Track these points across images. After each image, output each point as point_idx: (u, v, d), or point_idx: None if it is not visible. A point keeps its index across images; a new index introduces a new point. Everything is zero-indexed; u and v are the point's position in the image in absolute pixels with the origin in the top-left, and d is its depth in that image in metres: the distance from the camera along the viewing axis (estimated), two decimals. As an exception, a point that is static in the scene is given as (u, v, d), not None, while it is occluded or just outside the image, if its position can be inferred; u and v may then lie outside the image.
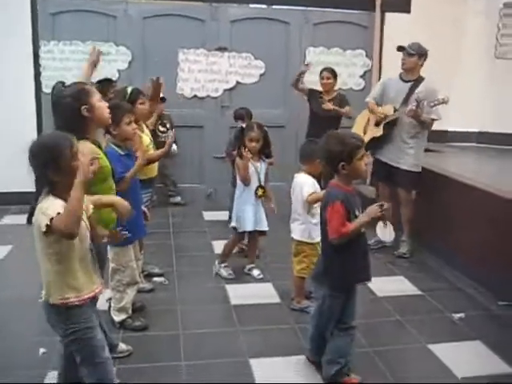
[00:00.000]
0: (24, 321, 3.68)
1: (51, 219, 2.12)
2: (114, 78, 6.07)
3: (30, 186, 6.32)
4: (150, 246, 4.59)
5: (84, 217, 2.30)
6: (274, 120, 6.44)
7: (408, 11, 6.83)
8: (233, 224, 4.46)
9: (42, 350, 3.25)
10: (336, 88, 5.92)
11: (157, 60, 6.51)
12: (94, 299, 2.48)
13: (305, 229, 3.78)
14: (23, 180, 6.47)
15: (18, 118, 6.37)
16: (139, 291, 3.75)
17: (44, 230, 2.14)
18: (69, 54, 6.56)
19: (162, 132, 6.27)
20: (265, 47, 6.77)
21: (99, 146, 2.85)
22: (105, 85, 5.01)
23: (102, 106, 2.83)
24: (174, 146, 6.22)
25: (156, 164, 4.21)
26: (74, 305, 2.31)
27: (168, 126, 6.33)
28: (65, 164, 2.19)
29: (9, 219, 6.14)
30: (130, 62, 6.61)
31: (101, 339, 2.45)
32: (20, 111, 6.40)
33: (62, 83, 2.86)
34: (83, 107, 2.72)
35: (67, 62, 6.53)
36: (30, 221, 2.25)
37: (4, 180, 6.41)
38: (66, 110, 2.74)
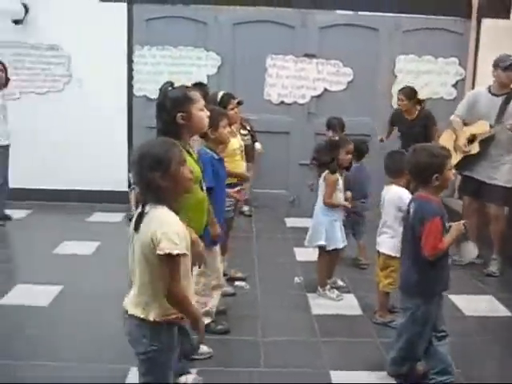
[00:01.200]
0: (108, 315, 3.77)
1: (177, 255, 2.05)
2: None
3: (117, 186, 6.63)
4: (233, 250, 4.60)
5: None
6: (360, 129, 6.31)
7: (507, 17, 6.51)
8: (321, 242, 4.17)
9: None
10: (425, 97, 5.78)
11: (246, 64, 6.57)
12: None
13: (395, 243, 3.65)
14: (112, 180, 6.86)
15: (109, 118, 6.64)
16: (221, 295, 3.77)
17: (162, 254, 2.04)
18: (160, 58, 6.75)
19: (244, 135, 6.29)
20: (353, 54, 6.67)
21: (188, 152, 2.82)
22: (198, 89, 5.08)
23: (201, 115, 2.79)
24: (259, 145, 6.25)
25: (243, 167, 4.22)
26: (173, 321, 2.23)
27: (248, 128, 6.32)
28: (173, 170, 2.13)
29: (96, 216, 6.38)
30: (219, 68, 6.71)
31: (174, 362, 2.38)
32: (112, 112, 6.66)
33: (171, 84, 2.81)
34: (179, 114, 2.70)
35: (158, 67, 6.72)
36: (136, 228, 2.15)
37: (94, 179, 6.66)
38: (164, 113, 2.75)
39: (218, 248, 3.39)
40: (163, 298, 2.12)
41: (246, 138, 6.19)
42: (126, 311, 2.24)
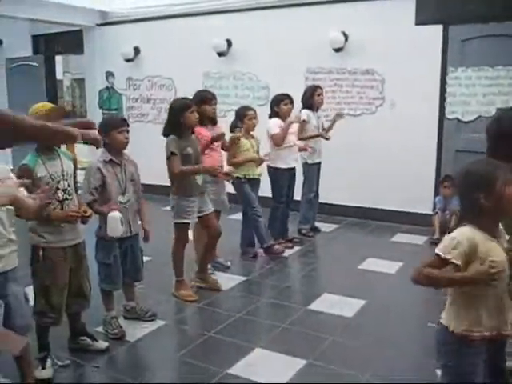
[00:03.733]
0: (406, 336, 3.81)
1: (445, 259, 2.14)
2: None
3: (422, 208, 6.56)
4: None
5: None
6: None
7: None
8: None
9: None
10: None
11: None
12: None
13: None
14: (416, 201, 6.75)
15: (419, 140, 6.63)
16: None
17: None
18: (475, 79, 6.50)
19: None
20: None
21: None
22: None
23: None
24: None
25: None
26: (473, 340, 2.18)
27: None
28: (498, 190, 2.10)
29: (401, 237, 6.41)
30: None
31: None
32: (423, 134, 6.64)
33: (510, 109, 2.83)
34: None
35: (473, 89, 6.47)
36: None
37: (400, 199, 6.75)
38: (501, 135, 2.65)
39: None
40: (459, 311, 2.19)
41: None
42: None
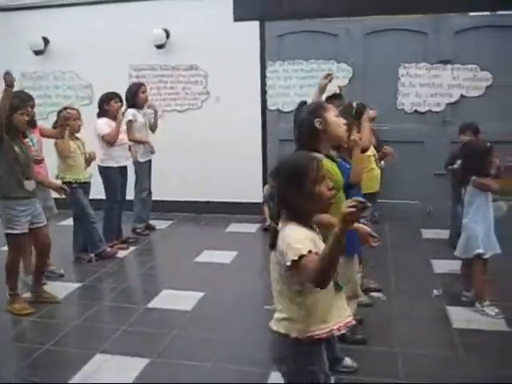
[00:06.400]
0: (247, 321, 3.99)
1: (301, 256, 1.95)
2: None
3: (252, 198, 6.89)
4: (368, 260, 4.57)
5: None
6: (505, 135, 5.95)
7: None
8: (479, 250, 4.00)
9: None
10: None
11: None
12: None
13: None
14: (247, 191, 7.11)
15: (244, 133, 6.90)
16: (357, 305, 3.76)
17: (289, 264, 1.98)
18: (292, 72, 6.90)
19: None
20: (492, 57, 6.34)
21: (333, 160, 2.93)
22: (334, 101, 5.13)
23: (337, 121, 2.90)
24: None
25: (378, 179, 4.20)
26: (317, 339, 2.12)
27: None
28: (308, 187, 2.05)
29: (234, 227, 6.62)
30: (350, 79, 6.71)
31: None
32: (248, 126, 6.92)
33: (304, 102, 3.05)
34: (317, 120, 2.84)
35: (290, 81, 6.88)
36: (272, 246, 2.11)
37: (230, 191, 6.96)
38: (303, 124, 2.89)
39: (356, 257, 3.40)
40: (299, 315, 2.10)
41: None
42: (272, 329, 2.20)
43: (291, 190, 2.06)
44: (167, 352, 3.56)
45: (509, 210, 4.46)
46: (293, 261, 1.96)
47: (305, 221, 2.11)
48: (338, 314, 2.18)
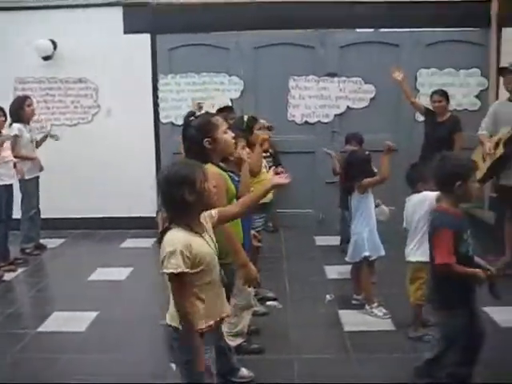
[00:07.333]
0: (142, 338, 3.91)
1: (175, 274, 2.17)
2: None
3: (147, 212, 6.78)
4: (263, 269, 4.64)
5: (212, 244, 2.35)
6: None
7: (528, 25, 6.48)
8: (366, 253, 4.20)
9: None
10: (450, 109, 5.81)
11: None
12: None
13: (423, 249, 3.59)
14: (141, 205, 6.99)
15: (138, 146, 6.82)
16: (253, 314, 3.81)
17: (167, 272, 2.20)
18: (184, 85, 6.90)
19: (266, 157, 6.32)
20: (375, 71, 6.69)
21: (224, 170, 2.95)
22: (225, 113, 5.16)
23: (226, 138, 2.91)
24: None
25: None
26: (202, 332, 2.28)
27: (271, 151, 6.26)
28: (199, 185, 2.24)
29: (129, 243, 6.49)
30: (242, 92, 6.81)
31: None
32: (140, 140, 6.84)
33: (193, 113, 2.97)
34: (206, 140, 2.83)
35: (183, 94, 6.87)
36: (159, 241, 2.28)
37: (124, 206, 6.81)
38: (192, 141, 2.88)
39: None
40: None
41: (267, 159, 6.24)
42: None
43: (184, 191, 2.21)
44: (60, 376, 3.41)
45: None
46: (169, 276, 2.20)
47: (193, 222, 2.30)
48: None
